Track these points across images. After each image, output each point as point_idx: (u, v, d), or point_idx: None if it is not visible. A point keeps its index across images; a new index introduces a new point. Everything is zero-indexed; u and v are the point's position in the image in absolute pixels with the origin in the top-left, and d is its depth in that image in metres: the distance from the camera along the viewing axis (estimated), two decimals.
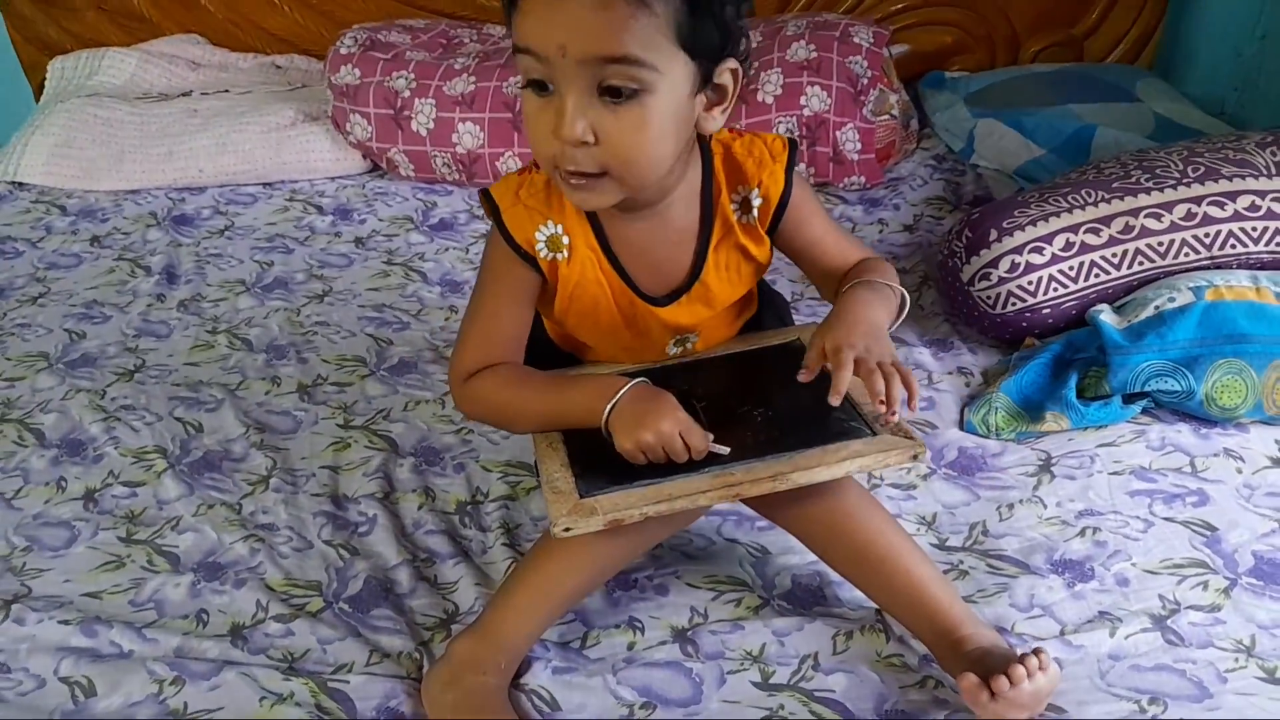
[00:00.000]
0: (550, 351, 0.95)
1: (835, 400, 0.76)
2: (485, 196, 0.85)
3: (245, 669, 0.85)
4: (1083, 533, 0.97)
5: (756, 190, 0.86)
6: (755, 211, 0.87)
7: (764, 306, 1.01)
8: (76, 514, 1.04)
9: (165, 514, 1.04)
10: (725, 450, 0.81)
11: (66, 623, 0.90)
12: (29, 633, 0.90)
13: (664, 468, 0.80)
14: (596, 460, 0.82)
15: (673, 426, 0.78)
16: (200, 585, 0.95)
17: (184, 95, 1.85)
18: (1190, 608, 0.88)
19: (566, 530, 0.77)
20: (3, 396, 1.23)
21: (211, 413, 1.19)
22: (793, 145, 0.87)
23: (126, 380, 1.25)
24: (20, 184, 1.76)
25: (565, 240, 0.84)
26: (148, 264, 1.53)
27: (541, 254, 0.84)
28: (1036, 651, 0.75)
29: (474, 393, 0.86)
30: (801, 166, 1.61)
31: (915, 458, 0.80)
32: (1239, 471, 1.03)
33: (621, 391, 0.81)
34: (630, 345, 0.92)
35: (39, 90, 2.02)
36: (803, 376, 0.80)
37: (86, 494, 1.07)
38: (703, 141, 0.85)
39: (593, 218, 0.84)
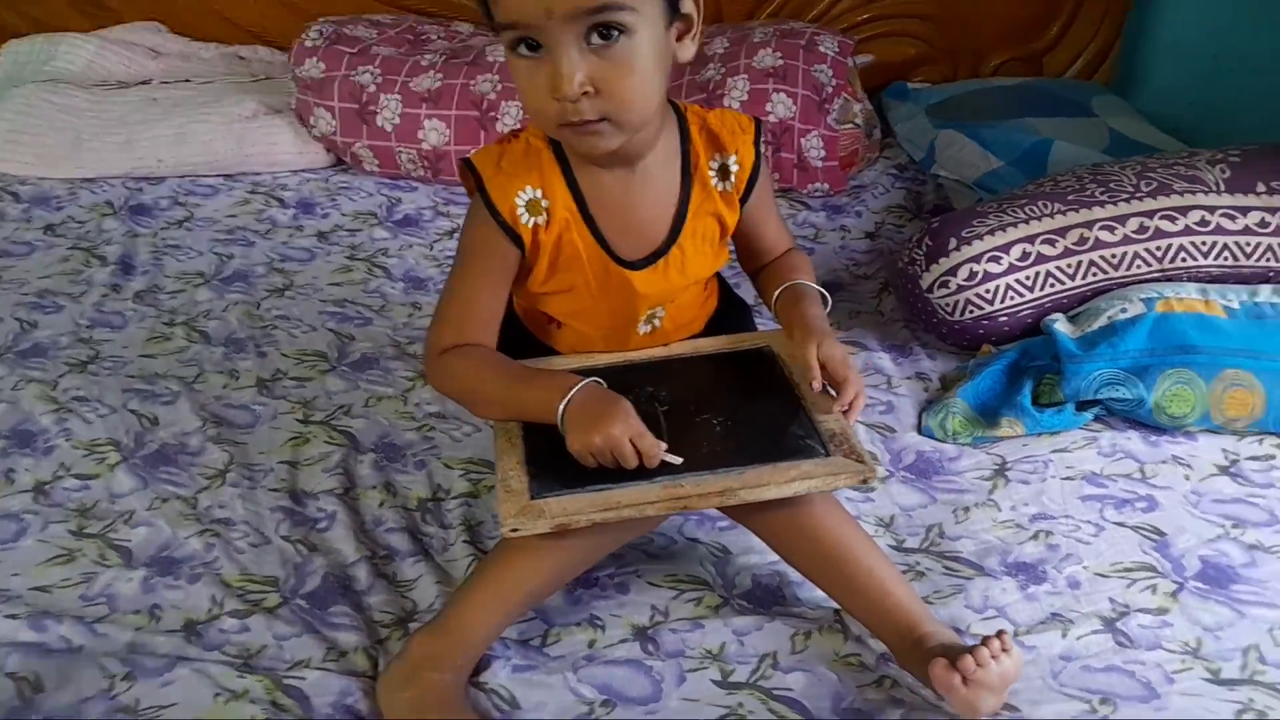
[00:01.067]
0: (518, 337, 0.95)
1: (852, 418, 0.85)
2: (467, 165, 0.86)
3: (199, 665, 0.84)
4: (1036, 536, 0.99)
5: (735, 157, 0.89)
6: (733, 178, 0.90)
7: (726, 304, 1.02)
8: (25, 506, 1.02)
9: (118, 508, 1.02)
10: (678, 460, 0.81)
11: (14, 617, 0.88)
12: None
13: (616, 473, 0.80)
14: (552, 461, 0.82)
15: (623, 432, 0.79)
16: (154, 580, 0.93)
17: (143, 84, 1.81)
18: (1139, 610, 0.90)
19: (514, 530, 0.77)
20: None
21: (167, 405, 1.16)
22: (758, 121, 0.92)
23: (79, 371, 1.23)
24: None
25: (544, 204, 0.85)
26: (103, 254, 1.49)
27: (523, 220, 0.85)
28: (999, 634, 0.76)
29: (445, 370, 0.87)
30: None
31: (864, 481, 0.82)
32: (1187, 478, 1.06)
33: (574, 389, 0.81)
34: (601, 319, 0.92)
35: None
36: (816, 385, 0.86)
37: (36, 486, 1.04)
38: (676, 109, 0.89)
39: (571, 182, 0.86)
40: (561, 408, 0.81)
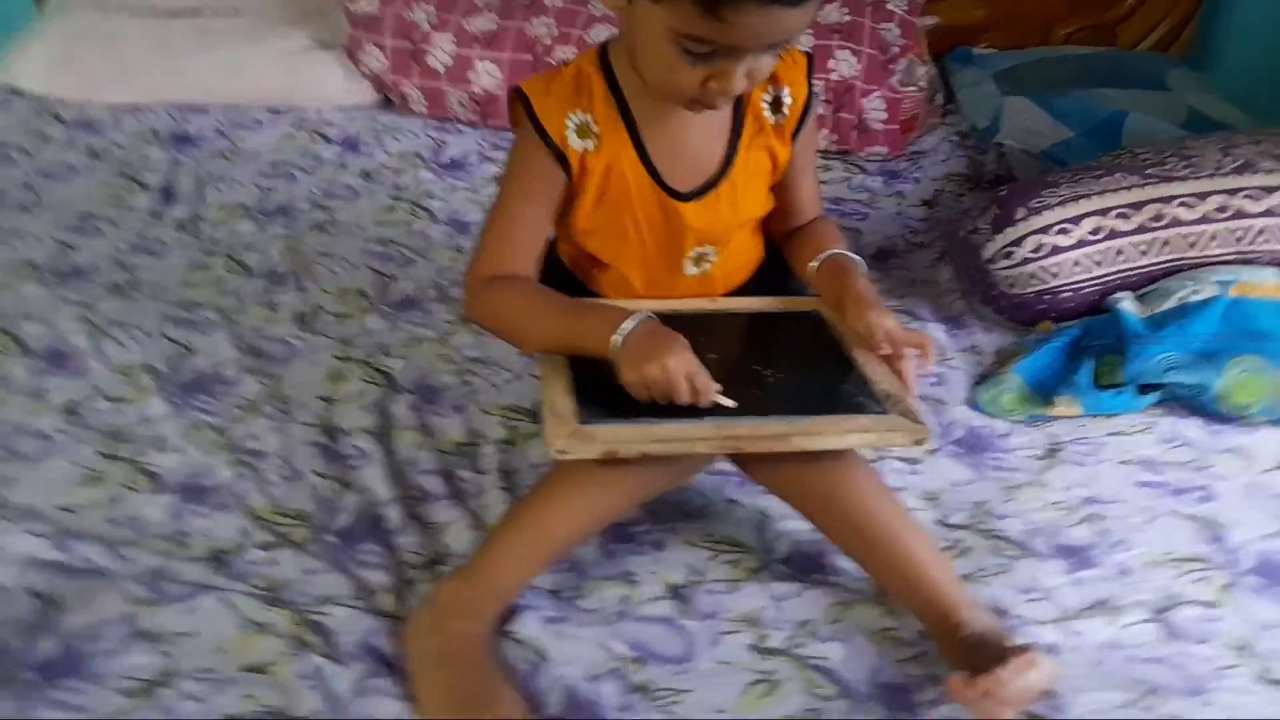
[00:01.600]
0: (563, 284, 0.93)
1: (914, 391, 0.83)
2: (516, 92, 0.85)
3: (224, 595, 0.83)
4: (1086, 520, 0.95)
5: (788, 90, 0.89)
6: (785, 111, 0.89)
7: (772, 259, 1.00)
8: (56, 425, 1.01)
9: (150, 432, 1.01)
10: (732, 404, 0.79)
11: (38, 536, 0.87)
12: None
13: (667, 410, 0.78)
14: (600, 394, 0.80)
15: (679, 366, 0.77)
16: (182, 507, 0.92)
17: (193, 14, 1.79)
18: (1190, 602, 0.87)
19: (561, 452, 0.75)
20: None
21: (204, 335, 1.15)
22: (809, 57, 0.91)
23: (117, 295, 1.22)
24: (17, 91, 1.70)
25: (595, 129, 0.84)
26: (145, 181, 1.48)
27: (571, 143, 0.84)
28: (1025, 649, 0.73)
29: (488, 301, 0.86)
30: (825, 132, 1.57)
31: (919, 442, 0.81)
32: (1247, 470, 1.02)
33: (634, 322, 0.80)
34: (649, 256, 0.90)
35: None
36: (885, 349, 0.84)
37: (68, 406, 1.03)
38: None
39: (624, 111, 0.85)
40: (619, 339, 0.79)
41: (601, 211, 0.87)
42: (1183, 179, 1.13)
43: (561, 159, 0.84)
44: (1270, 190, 1.11)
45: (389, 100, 1.72)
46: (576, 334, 0.83)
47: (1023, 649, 0.73)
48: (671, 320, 0.87)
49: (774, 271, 0.99)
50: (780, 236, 0.98)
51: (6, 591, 0.82)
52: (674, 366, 0.77)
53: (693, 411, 0.78)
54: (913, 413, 0.81)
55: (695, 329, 0.86)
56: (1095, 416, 1.07)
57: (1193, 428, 1.07)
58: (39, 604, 0.82)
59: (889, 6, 1.59)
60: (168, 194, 1.46)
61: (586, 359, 0.82)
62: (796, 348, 0.89)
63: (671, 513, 0.94)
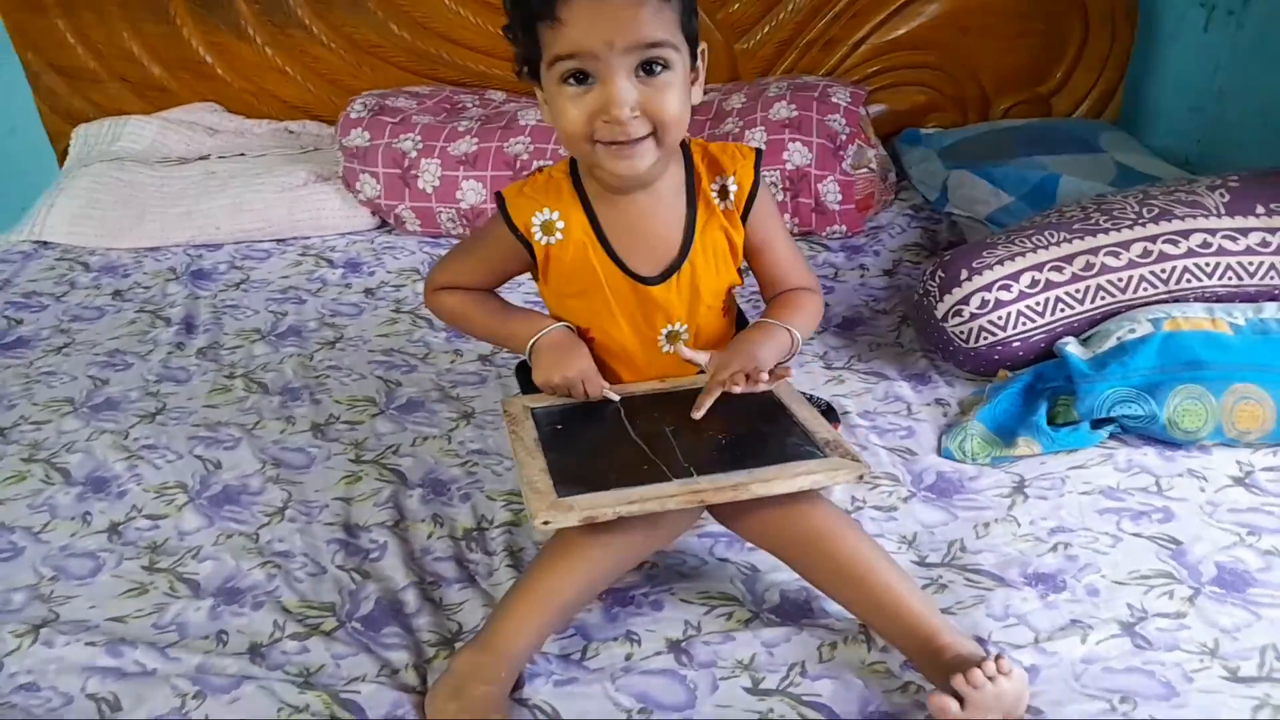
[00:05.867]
0: None
1: (695, 414, 0.94)
2: (497, 196, 1.01)
3: (264, 683, 0.90)
4: (1055, 548, 1.02)
5: (733, 178, 1.00)
6: (732, 198, 1.00)
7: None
8: (101, 545, 1.09)
9: (186, 544, 1.09)
10: (616, 398, 0.99)
11: (93, 645, 0.95)
12: (57, 654, 0.94)
13: (637, 478, 0.88)
14: (572, 471, 0.90)
15: (575, 374, 0.98)
16: (220, 608, 1.00)
17: (202, 159, 1.95)
18: (1157, 615, 0.93)
19: (546, 523, 0.84)
20: (30, 439, 1.29)
21: (230, 450, 1.25)
22: (758, 151, 1.02)
23: (148, 422, 1.32)
24: (45, 243, 1.84)
25: (559, 225, 0.99)
26: (167, 315, 1.60)
27: (536, 237, 0.99)
28: (997, 657, 0.80)
29: (440, 301, 1.08)
30: (786, 216, 1.69)
31: (861, 478, 0.90)
32: (1202, 490, 1.09)
33: (544, 331, 1.00)
34: (626, 335, 1.02)
35: (62, 156, 2.13)
36: (695, 414, 0.95)
37: (111, 527, 1.12)
38: (682, 143, 0.99)
39: (586, 206, 0.98)
40: (531, 343, 1.00)
41: (576, 289, 1.00)
42: (1105, 231, 1.24)
43: (527, 245, 0.99)
44: (1186, 234, 1.22)
45: (385, 222, 1.86)
46: (503, 335, 1.06)
47: (995, 657, 0.79)
48: (638, 399, 1.00)
49: None
50: (765, 304, 1.09)
51: (69, 697, 0.90)
52: (572, 375, 0.98)
53: (660, 474, 0.88)
54: (851, 453, 0.91)
55: (656, 407, 0.97)
56: (1056, 453, 1.16)
57: (1149, 455, 1.14)
58: (98, 706, 0.89)
59: (833, 99, 1.73)
60: (189, 325, 1.57)
61: (559, 443, 0.94)
62: (743, 411, 0.98)
63: (668, 575, 1.01)
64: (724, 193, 1.00)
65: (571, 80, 0.87)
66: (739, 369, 0.94)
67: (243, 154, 1.96)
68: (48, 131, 2.15)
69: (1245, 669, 0.87)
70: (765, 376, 0.93)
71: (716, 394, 0.95)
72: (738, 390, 0.94)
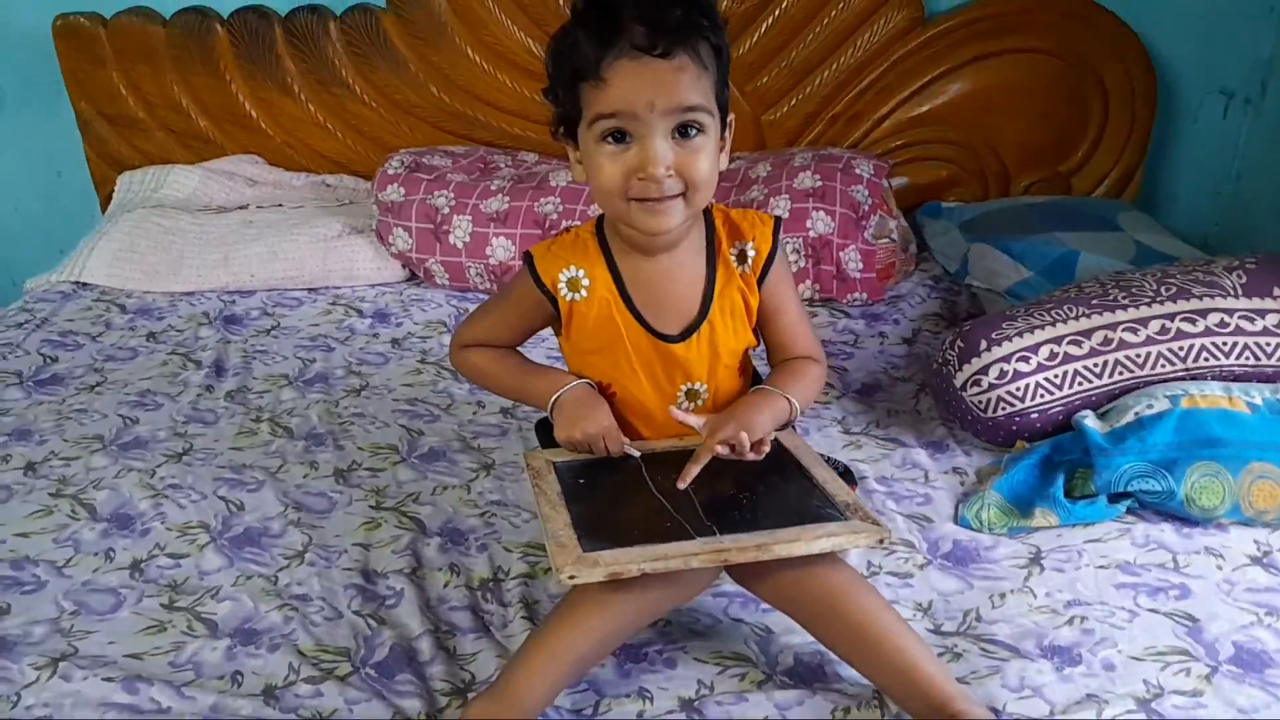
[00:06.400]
0: None
1: (680, 484, 0.95)
2: (526, 255, 1.05)
3: None
4: (1071, 621, 1.02)
5: (751, 244, 1.04)
6: (750, 263, 1.04)
7: None
8: (123, 582, 1.11)
9: (206, 583, 1.11)
10: (636, 454, 1.01)
11: (110, 680, 0.96)
12: (75, 689, 0.96)
13: (660, 535, 0.89)
14: (597, 527, 0.91)
15: (596, 431, 1.00)
16: (236, 649, 1.01)
17: (241, 208, 2.01)
18: (1174, 692, 0.92)
19: (571, 577, 0.85)
20: (59, 474, 1.32)
21: (253, 493, 1.27)
22: (777, 219, 1.06)
23: (175, 461, 1.34)
24: (84, 284, 1.89)
25: (585, 282, 1.02)
26: (198, 358, 1.64)
27: (562, 293, 1.02)
28: None
29: (465, 358, 1.11)
30: (808, 282, 1.72)
31: (881, 541, 0.91)
32: (1219, 568, 1.09)
33: (567, 387, 1.02)
34: (643, 389, 1.04)
35: (106, 201, 2.20)
36: (681, 483, 0.96)
37: (133, 564, 1.14)
38: (704, 210, 1.03)
39: (611, 264, 1.02)
40: (553, 400, 1.02)
41: (598, 345, 1.03)
42: (1124, 307, 1.25)
43: (550, 297, 1.02)
44: (1204, 313, 1.24)
45: (415, 275, 1.90)
46: (526, 391, 1.07)
47: None
48: (655, 456, 1.01)
49: None
50: (770, 368, 1.11)
51: None
52: (592, 431, 1.00)
53: (684, 532, 0.89)
54: (871, 517, 0.92)
55: (673, 464, 0.99)
56: (1073, 526, 1.16)
57: (1166, 531, 1.14)
58: None
59: (857, 171, 1.77)
60: (219, 369, 1.61)
61: (582, 498, 0.96)
62: (763, 474, 0.99)
63: (681, 633, 1.02)
64: (742, 257, 1.04)
65: (610, 139, 0.92)
66: (732, 435, 0.96)
67: (280, 205, 2.02)
68: (93, 177, 2.23)
69: None
70: (751, 456, 0.96)
71: (705, 460, 0.97)
72: (725, 454, 0.96)
